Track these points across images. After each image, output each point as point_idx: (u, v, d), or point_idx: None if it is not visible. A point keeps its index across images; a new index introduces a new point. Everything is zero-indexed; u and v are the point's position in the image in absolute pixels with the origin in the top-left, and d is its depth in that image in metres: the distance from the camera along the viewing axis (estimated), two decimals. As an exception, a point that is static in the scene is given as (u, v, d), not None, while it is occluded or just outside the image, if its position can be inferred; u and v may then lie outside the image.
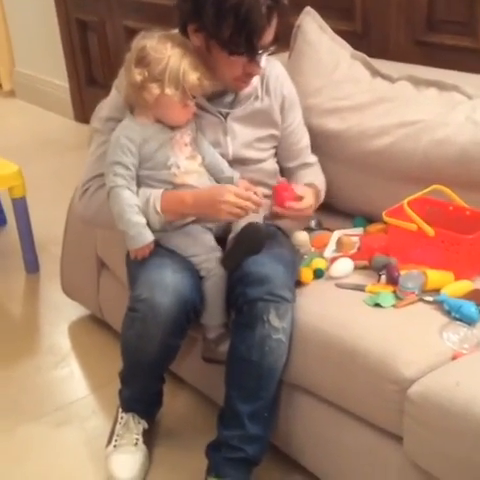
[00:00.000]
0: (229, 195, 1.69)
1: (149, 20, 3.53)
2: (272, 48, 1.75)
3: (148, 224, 1.74)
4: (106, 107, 1.88)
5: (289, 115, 1.93)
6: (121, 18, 3.83)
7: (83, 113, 4.32)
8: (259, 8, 1.62)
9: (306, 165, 2.00)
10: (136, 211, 1.72)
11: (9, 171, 2.73)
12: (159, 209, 1.72)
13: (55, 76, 4.55)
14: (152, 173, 1.75)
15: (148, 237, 1.73)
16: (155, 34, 1.72)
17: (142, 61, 1.69)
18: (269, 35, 1.69)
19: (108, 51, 4.01)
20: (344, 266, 1.83)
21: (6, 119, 4.66)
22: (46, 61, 4.61)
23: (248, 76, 1.76)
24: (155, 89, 1.68)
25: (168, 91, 1.67)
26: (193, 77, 1.67)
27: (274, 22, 1.68)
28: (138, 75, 1.69)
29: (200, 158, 1.80)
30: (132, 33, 4.06)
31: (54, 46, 4.38)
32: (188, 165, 1.76)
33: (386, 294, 1.69)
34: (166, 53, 1.67)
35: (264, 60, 1.85)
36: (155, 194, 1.73)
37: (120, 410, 1.90)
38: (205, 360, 1.84)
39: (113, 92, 1.85)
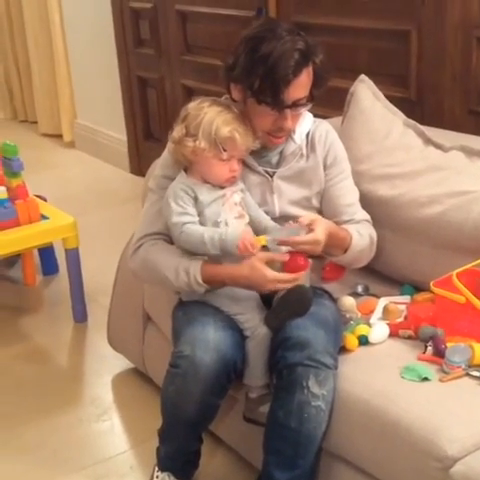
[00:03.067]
0: (270, 284, 1.72)
1: (206, 80, 3.63)
2: (305, 106, 1.78)
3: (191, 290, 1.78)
4: (159, 166, 1.94)
5: (332, 169, 1.93)
6: (180, 77, 3.95)
7: (139, 166, 4.43)
8: (287, 60, 1.69)
9: (352, 221, 1.94)
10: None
11: (64, 222, 2.80)
12: (201, 281, 1.75)
13: (114, 129, 4.68)
14: None
15: (236, 228, 1.74)
16: (206, 97, 1.81)
17: (183, 119, 1.79)
18: (297, 90, 1.72)
19: (166, 107, 4.12)
20: (381, 332, 1.83)
21: (65, 169, 4.80)
22: (106, 114, 4.76)
23: (279, 131, 1.80)
24: (189, 143, 1.75)
25: (201, 144, 1.73)
26: (225, 130, 1.72)
27: (303, 78, 1.72)
28: (177, 132, 1.78)
29: (247, 218, 1.83)
30: (190, 91, 4.21)
31: (114, 100, 4.52)
32: (236, 224, 1.79)
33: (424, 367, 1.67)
34: (203, 110, 1.75)
35: (310, 120, 1.89)
36: (194, 267, 1.76)
37: (156, 469, 1.89)
38: (245, 420, 1.83)
39: (166, 151, 1.91)
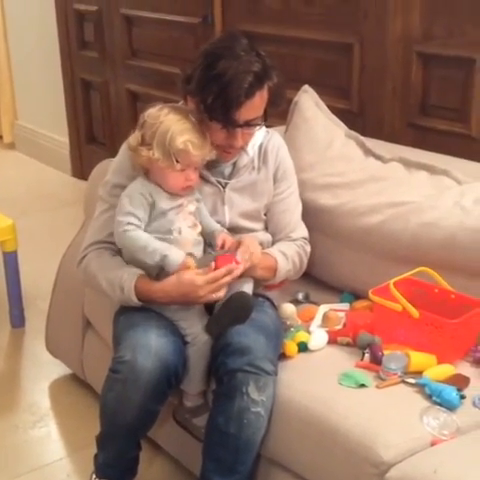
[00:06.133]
0: (202, 289, 1.71)
1: (151, 85, 3.62)
2: (257, 126, 1.79)
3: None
4: (111, 172, 1.90)
5: (281, 184, 1.95)
6: (124, 81, 3.92)
7: (81, 169, 4.37)
8: (240, 82, 1.68)
9: (289, 238, 1.97)
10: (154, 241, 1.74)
11: (2, 225, 2.74)
12: (136, 300, 1.76)
13: (56, 131, 4.62)
14: (155, 235, 1.76)
15: (181, 252, 1.73)
16: (165, 104, 1.79)
17: (141, 127, 1.77)
18: (250, 111, 1.73)
19: (109, 111, 4.08)
20: (320, 339, 1.85)
21: (4, 171, 4.70)
22: (48, 116, 4.69)
23: (229, 147, 1.80)
24: (144, 152, 1.73)
25: (154, 154, 1.72)
26: (178, 141, 1.71)
27: (256, 100, 1.73)
28: (134, 140, 1.77)
29: (200, 227, 1.83)
30: (134, 96, 4.18)
31: (57, 102, 4.45)
32: (188, 233, 1.79)
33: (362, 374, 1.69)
34: (159, 119, 1.74)
35: (262, 132, 1.89)
36: (128, 286, 1.75)
37: (93, 476, 1.86)
38: (175, 421, 1.83)
39: (119, 156, 1.89)
